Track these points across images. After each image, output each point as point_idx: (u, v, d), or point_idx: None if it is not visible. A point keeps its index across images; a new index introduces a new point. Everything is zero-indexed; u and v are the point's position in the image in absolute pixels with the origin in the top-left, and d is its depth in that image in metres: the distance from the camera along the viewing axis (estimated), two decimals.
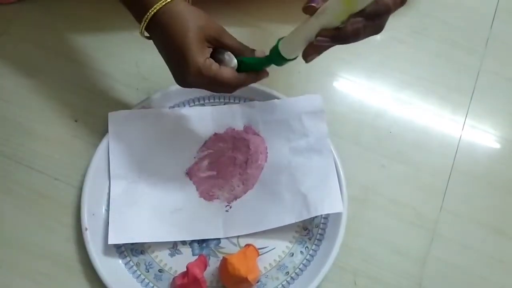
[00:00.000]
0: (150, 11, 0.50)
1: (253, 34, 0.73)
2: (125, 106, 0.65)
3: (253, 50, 0.54)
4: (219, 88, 0.53)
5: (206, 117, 0.65)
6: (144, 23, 0.51)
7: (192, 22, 0.50)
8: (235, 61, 0.54)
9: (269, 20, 0.74)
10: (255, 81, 0.55)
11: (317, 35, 0.47)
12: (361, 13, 0.45)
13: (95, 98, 0.67)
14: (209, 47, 0.52)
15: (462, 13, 0.76)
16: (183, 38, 0.50)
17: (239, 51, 0.54)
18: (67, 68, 0.69)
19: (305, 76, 0.70)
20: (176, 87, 0.65)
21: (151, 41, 0.71)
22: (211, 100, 0.66)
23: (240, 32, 0.72)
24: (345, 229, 0.58)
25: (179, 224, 0.59)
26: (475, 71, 0.71)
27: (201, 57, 0.50)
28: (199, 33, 0.50)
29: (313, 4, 0.48)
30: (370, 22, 0.46)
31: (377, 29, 0.47)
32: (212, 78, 0.51)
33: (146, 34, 0.53)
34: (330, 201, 0.59)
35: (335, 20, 0.46)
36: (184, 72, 0.51)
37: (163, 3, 0.50)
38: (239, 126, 0.65)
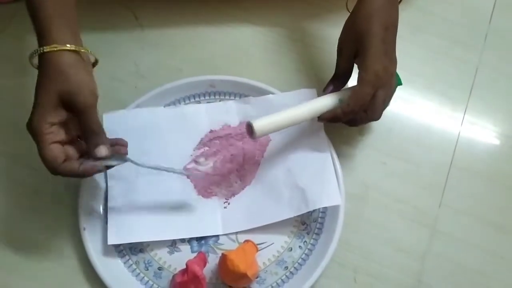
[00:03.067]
0: (37, 50, 0.49)
1: (252, 33, 0.73)
2: (124, 104, 0.65)
3: (97, 145, 0.51)
4: (41, 157, 0.50)
5: (201, 114, 0.65)
6: (30, 55, 0.50)
7: (57, 82, 0.49)
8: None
9: (268, 18, 0.74)
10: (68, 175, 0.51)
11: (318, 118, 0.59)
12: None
13: None
14: (65, 117, 0.50)
15: (460, 9, 0.75)
16: (40, 93, 0.49)
17: (84, 134, 0.51)
18: None
19: (304, 73, 0.70)
20: (172, 84, 0.65)
21: (150, 40, 0.72)
22: (207, 97, 0.66)
23: (240, 30, 0.73)
24: (345, 225, 0.58)
25: (177, 222, 0.59)
26: (474, 67, 0.71)
27: (42, 119, 0.48)
28: (55, 96, 0.49)
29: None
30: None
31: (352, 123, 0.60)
32: (36, 141, 0.49)
33: (35, 64, 0.51)
34: (328, 194, 0.59)
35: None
36: (30, 119, 0.49)
37: (48, 49, 0.49)
38: (234, 122, 0.65)
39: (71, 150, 0.52)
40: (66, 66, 0.49)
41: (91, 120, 0.50)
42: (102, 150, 0.51)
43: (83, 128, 0.51)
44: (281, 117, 0.57)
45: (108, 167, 0.54)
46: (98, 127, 0.51)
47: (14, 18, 0.73)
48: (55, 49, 0.49)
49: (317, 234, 0.59)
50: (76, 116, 0.50)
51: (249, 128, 0.56)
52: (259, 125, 0.55)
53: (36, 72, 0.65)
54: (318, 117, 0.59)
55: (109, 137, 0.53)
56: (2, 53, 0.71)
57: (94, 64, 0.54)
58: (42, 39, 0.49)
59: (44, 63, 0.49)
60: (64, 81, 0.49)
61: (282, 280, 0.57)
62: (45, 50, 0.49)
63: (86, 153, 0.52)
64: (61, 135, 0.50)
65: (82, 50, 0.50)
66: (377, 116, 0.59)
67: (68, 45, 0.49)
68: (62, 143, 0.51)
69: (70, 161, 0.51)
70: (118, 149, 0.54)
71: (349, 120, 0.60)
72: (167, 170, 0.57)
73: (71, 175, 0.51)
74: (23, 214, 0.61)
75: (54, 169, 0.50)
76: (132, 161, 0.55)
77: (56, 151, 0.50)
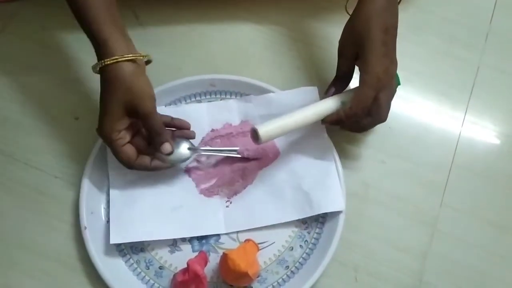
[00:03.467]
0: (101, 62, 0.53)
1: (253, 32, 0.73)
2: None
3: (162, 142, 0.56)
4: (118, 159, 0.57)
5: (202, 113, 0.65)
6: (95, 69, 0.55)
7: (122, 93, 0.54)
8: (180, 152, 0.59)
9: (269, 17, 0.74)
10: (146, 169, 0.58)
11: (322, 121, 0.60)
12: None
13: (95, 95, 0.66)
14: (129, 121, 0.56)
15: (461, 9, 0.75)
16: (107, 103, 0.54)
17: (149, 136, 0.57)
18: (67, 66, 0.69)
19: (304, 72, 0.70)
20: (173, 83, 0.65)
21: (150, 39, 0.72)
22: (208, 96, 0.66)
23: (240, 29, 0.73)
24: (346, 225, 0.59)
25: (180, 221, 0.59)
26: (475, 66, 0.71)
27: (111, 128, 0.55)
28: (122, 106, 0.54)
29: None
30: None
31: (356, 128, 0.61)
32: (109, 147, 0.56)
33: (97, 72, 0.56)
34: (332, 199, 0.59)
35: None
36: (100, 128, 0.55)
37: (110, 62, 0.53)
38: (236, 121, 0.65)
39: (139, 142, 0.57)
40: (127, 76, 0.53)
41: (153, 123, 0.56)
42: (167, 147, 0.57)
43: (147, 130, 0.56)
44: (286, 121, 0.57)
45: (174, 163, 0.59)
46: (161, 127, 0.56)
47: (14, 17, 0.73)
48: (115, 61, 0.53)
49: (318, 233, 0.59)
50: (140, 120, 0.56)
51: (254, 134, 0.56)
52: (263, 130, 0.56)
53: (35, 71, 0.65)
54: (322, 120, 0.60)
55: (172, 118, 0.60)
56: (2, 52, 0.71)
57: (148, 62, 0.58)
58: (101, 50, 0.53)
59: (107, 75, 0.54)
60: (127, 92, 0.53)
61: (283, 279, 0.57)
62: (106, 63, 0.53)
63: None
64: (129, 136, 0.56)
65: (139, 57, 0.55)
66: (383, 118, 0.59)
67: (125, 56, 0.53)
68: (131, 141, 0.57)
69: (142, 158, 0.57)
70: (185, 133, 0.60)
71: (357, 128, 0.61)
72: (224, 152, 0.62)
73: (145, 169, 0.58)
74: (24, 213, 0.61)
75: (130, 167, 0.57)
76: (194, 149, 0.60)
77: (129, 152, 0.56)
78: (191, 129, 0.61)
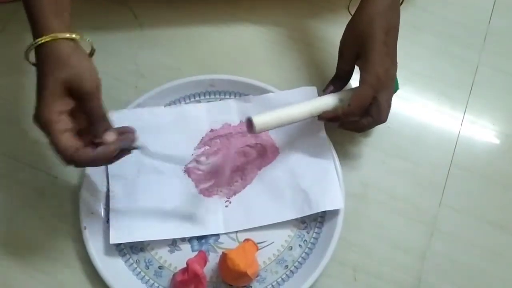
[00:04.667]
0: (33, 42, 0.49)
1: (252, 32, 0.73)
2: (124, 103, 0.65)
3: (106, 130, 0.50)
4: (51, 146, 0.49)
5: (201, 113, 0.65)
6: (27, 50, 0.50)
7: (60, 70, 0.48)
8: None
9: (268, 17, 0.74)
10: (91, 161, 0.50)
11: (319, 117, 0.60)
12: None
13: None
14: (71, 104, 0.50)
15: (460, 8, 0.76)
16: (44, 82, 0.48)
17: (91, 121, 0.50)
18: None
19: (304, 72, 0.70)
20: (172, 83, 0.65)
21: (149, 39, 0.72)
22: (207, 97, 0.66)
23: (240, 30, 0.73)
24: (345, 224, 0.59)
25: (179, 221, 0.59)
26: (474, 66, 0.71)
27: (50, 108, 0.48)
28: (60, 84, 0.48)
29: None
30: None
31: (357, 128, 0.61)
32: (47, 133, 0.48)
33: (32, 60, 0.51)
34: (330, 197, 0.59)
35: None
36: (37, 110, 0.49)
37: (46, 39, 0.48)
38: (235, 121, 0.65)
39: (81, 141, 0.50)
40: (66, 54, 0.49)
41: (97, 105, 0.50)
42: (111, 135, 0.51)
43: (89, 114, 0.50)
44: (282, 113, 0.57)
45: (119, 156, 0.52)
46: (104, 112, 0.51)
47: (13, 17, 0.73)
48: (54, 38, 0.48)
49: (317, 233, 0.59)
50: (82, 102, 0.50)
51: (249, 123, 0.56)
52: (259, 120, 0.55)
53: (33, 70, 0.65)
54: (318, 116, 0.59)
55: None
56: (2, 52, 0.71)
57: (91, 53, 0.54)
58: (39, 30, 0.49)
59: (44, 54, 0.49)
60: (66, 69, 0.48)
61: (282, 279, 0.58)
62: (43, 41, 0.48)
63: (94, 144, 0.51)
64: (70, 124, 0.49)
65: (78, 37, 0.50)
66: (384, 119, 0.59)
67: (66, 34, 0.49)
68: (73, 132, 0.50)
69: (84, 149, 0.49)
70: (128, 137, 0.53)
71: (357, 128, 0.60)
72: (173, 161, 0.57)
73: (86, 163, 0.51)
74: (24, 213, 0.61)
75: (69, 158, 0.49)
76: (142, 148, 0.54)
77: (69, 139, 0.49)
78: (191, 128, 0.61)
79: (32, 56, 0.50)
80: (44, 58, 0.49)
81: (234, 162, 0.63)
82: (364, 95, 0.57)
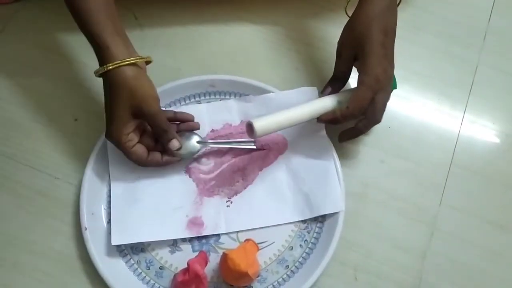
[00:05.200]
0: (103, 67, 0.54)
1: (252, 32, 0.73)
2: None
3: (170, 140, 0.58)
4: (129, 159, 0.58)
5: (202, 113, 0.65)
6: (97, 74, 0.56)
7: (127, 97, 0.55)
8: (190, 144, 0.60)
9: (268, 17, 0.74)
10: (158, 165, 0.60)
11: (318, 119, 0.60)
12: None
13: (95, 96, 0.67)
14: (136, 123, 0.57)
15: (460, 8, 0.76)
16: (113, 108, 0.55)
17: (156, 134, 0.58)
18: (66, 67, 0.69)
19: (303, 72, 0.70)
20: (172, 84, 0.65)
21: (149, 39, 0.72)
22: (207, 97, 0.67)
23: (240, 30, 0.73)
24: (345, 224, 0.59)
25: (181, 221, 0.59)
26: (474, 65, 0.71)
27: (120, 131, 0.56)
28: (128, 109, 0.55)
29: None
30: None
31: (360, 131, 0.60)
32: (123, 151, 0.58)
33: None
34: (331, 200, 0.59)
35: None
36: (109, 133, 0.57)
37: (113, 66, 0.54)
38: (235, 121, 0.65)
39: (148, 140, 0.59)
40: (130, 80, 0.54)
41: (159, 122, 0.57)
42: (175, 144, 0.58)
43: (154, 129, 0.58)
44: (282, 117, 0.58)
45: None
46: (167, 125, 0.58)
47: (13, 17, 0.73)
48: (117, 65, 0.54)
49: (318, 233, 0.59)
50: (146, 121, 0.57)
51: (250, 128, 0.57)
52: (259, 125, 0.56)
53: (35, 72, 0.65)
54: (318, 118, 0.60)
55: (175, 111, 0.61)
56: (2, 53, 0.71)
57: (148, 63, 0.59)
58: (102, 54, 0.54)
59: (110, 80, 0.55)
60: (131, 95, 0.55)
61: (283, 279, 0.58)
62: (109, 68, 0.54)
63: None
64: (137, 137, 0.58)
65: (140, 60, 0.56)
66: (378, 119, 0.59)
67: (127, 60, 0.54)
68: (140, 140, 0.58)
69: (153, 154, 0.59)
70: (190, 126, 0.61)
71: (355, 132, 0.60)
72: (234, 144, 0.62)
73: (156, 166, 0.59)
74: (24, 214, 0.61)
75: (142, 165, 0.59)
76: (203, 142, 0.61)
77: (139, 151, 0.58)
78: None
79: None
80: (110, 84, 0.55)
81: (235, 162, 0.63)
82: (363, 96, 0.57)
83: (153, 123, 0.57)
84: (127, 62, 0.54)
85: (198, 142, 0.61)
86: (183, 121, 0.61)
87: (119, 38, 0.55)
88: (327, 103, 0.60)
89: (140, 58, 0.56)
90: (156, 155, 0.59)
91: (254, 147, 0.63)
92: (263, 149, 0.63)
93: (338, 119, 0.59)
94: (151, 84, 0.57)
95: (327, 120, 0.59)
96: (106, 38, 0.54)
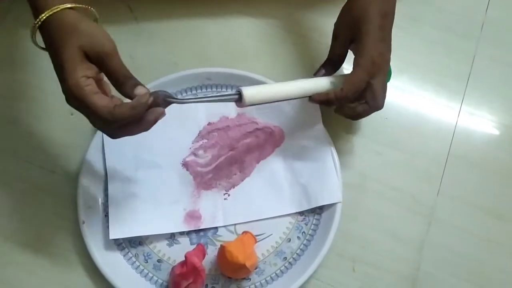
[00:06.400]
0: (37, 20, 0.48)
1: (248, 24, 0.73)
2: (120, 98, 0.65)
3: (135, 85, 0.48)
4: (91, 117, 0.48)
5: (198, 107, 0.64)
6: (32, 32, 0.49)
7: (74, 37, 0.47)
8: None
9: (264, 10, 0.73)
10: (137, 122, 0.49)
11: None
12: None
13: None
14: (92, 68, 0.48)
15: None
16: (61, 53, 0.47)
17: (117, 81, 0.48)
18: None
19: (300, 64, 0.70)
20: (169, 77, 0.65)
21: (145, 32, 0.71)
22: (204, 90, 0.66)
23: (236, 23, 0.72)
24: (343, 216, 0.59)
25: (178, 215, 0.59)
26: (471, 56, 0.71)
27: (75, 75, 0.46)
28: (78, 50, 0.47)
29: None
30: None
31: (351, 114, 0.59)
32: (81, 100, 0.47)
33: (40, 44, 0.50)
34: (329, 191, 0.59)
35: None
36: (63, 81, 0.47)
37: (50, 13, 0.47)
38: (232, 114, 0.65)
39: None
40: (74, 22, 0.48)
41: (118, 63, 0.48)
42: (142, 89, 0.48)
43: (113, 76, 0.48)
44: (273, 89, 0.56)
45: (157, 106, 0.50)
46: (127, 70, 0.49)
47: (8, 14, 0.73)
48: (58, 9, 0.47)
49: (315, 224, 0.59)
50: (103, 66, 0.48)
51: (239, 97, 0.54)
52: (248, 92, 0.53)
53: (31, 67, 0.64)
54: (310, 98, 0.58)
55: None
56: None
57: (95, 20, 0.52)
58: (40, 9, 0.48)
59: (52, 28, 0.48)
60: (80, 35, 0.47)
61: (281, 270, 0.58)
62: (48, 15, 0.47)
63: None
64: (99, 89, 0.48)
65: (83, 6, 0.49)
66: (380, 105, 0.58)
67: (67, 5, 0.48)
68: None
69: (121, 103, 0.48)
70: (160, 92, 0.51)
71: (353, 114, 0.59)
72: (214, 99, 0.54)
73: (128, 117, 0.47)
74: (21, 208, 0.61)
75: (110, 116, 0.47)
76: (173, 98, 0.51)
77: (104, 98, 0.47)
78: (188, 122, 0.61)
79: (40, 41, 0.49)
80: (53, 33, 0.48)
81: (232, 155, 0.62)
82: (358, 79, 0.56)
83: (112, 66, 0.48)
84: (68, 6, 0.48)
85: (166, 98, 0.51)
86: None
87: None
88: (322, 82, 0.58)
89: (81, 5, 0.49)
90: (124, 104, 0.47)
91: (234, 102, 0.55)
92: (238, 101, 0.55)
93: (332, 101, 0.57)
94: (102, 29, 0.49)
95: (320, 101, 0.58)
96: None
